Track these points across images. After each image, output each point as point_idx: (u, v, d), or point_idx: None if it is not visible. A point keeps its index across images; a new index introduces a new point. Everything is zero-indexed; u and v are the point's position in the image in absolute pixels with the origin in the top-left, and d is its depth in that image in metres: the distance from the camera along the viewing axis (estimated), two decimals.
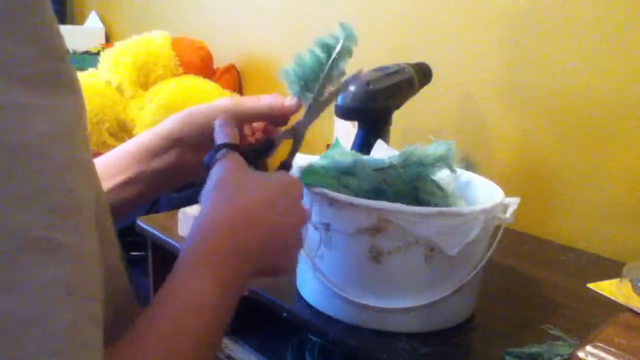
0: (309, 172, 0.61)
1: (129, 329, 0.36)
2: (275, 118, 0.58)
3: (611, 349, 0.51)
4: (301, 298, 0.69)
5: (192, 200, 1.07)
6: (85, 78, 1.46)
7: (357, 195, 0.60)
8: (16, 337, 0.26)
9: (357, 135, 0.89)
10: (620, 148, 0.92)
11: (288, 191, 0.50)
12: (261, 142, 0.57)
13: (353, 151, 0.75)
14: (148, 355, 0.35)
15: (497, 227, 0.64)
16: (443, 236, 0.58)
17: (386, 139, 0.88)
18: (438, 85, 1.01)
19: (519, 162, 1.05)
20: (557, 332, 0.63)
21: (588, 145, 0.96)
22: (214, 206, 0.46)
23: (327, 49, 0.57)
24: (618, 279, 0.75)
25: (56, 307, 0.27)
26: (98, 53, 1.60)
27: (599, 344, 0.52)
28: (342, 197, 0.59)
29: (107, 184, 0.53)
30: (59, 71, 0.29)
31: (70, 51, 1.85)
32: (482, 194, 0.70)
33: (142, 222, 0.93)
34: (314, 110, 0.58)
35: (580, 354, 0.52)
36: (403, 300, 0.61)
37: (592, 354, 0.52)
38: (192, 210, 0.86)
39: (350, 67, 0.59)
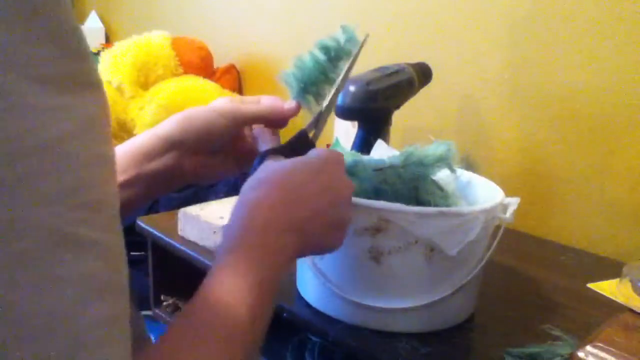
0: None
1: (168, 327, 0.37)
2: (274, 121, 0.58)
3: (611, 349, 0.51)
4: (301, 298, 0.69)
5: (192, 200, 1.08)
6: None
7: (357, 195, 0.60)
8: (51, 333, 0.26)
9: (357, 135, 0.89)
10: (621, 148, 0.92)
11: (329, 163, 0.50)
12: (295, 136, 0.57)
13: (353, 151, 0.75)
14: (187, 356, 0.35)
15: (497, 227, 0.64)
16: (443, 236, 0.58)
17: (386, 139, 0.88)
18: (438, 85, 1.01)
19: (519, 162, 1.05)
20: (557, 332, 0.63)
21: (588, 146, 0.96)
22: (253, 191, 0.47)
23: (328, 51, 0.57)
24: (618, 279, 0.75)
25: (89, 303, 0.27)
26: (98, 53, 1.60)
27: (599, 344, 0.52)
28: None
29: None
30: (80, 69, 0.29)
31: None
32: (482, 194, 0.70)
33: (142, 222, 0.93)
34: (333, 101, 0.59)
35: (580, 354, 0.52)
36: (403, 300, 0.61)
37: (592, 354, 0.52)
38: (192, 210, 0.86)
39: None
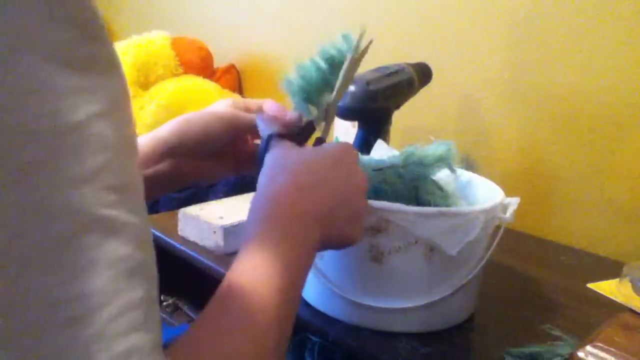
0: None
1: (198, 318, 0.36)
2: None
3: (611, 349, 0.51)
4: (301, 298, 0.69)
5: (192, 200, 1.08)
6: None
7: None
8: (84, 317, 0.26)
9: (357, 135, 0.89)
10: (621, 148, 0.92)
11: (346, 155, 0.51)
12: (302, 126, 0.58)
13: None
14: (222, 342, 0.35)
15: (497, 227, 0.64)
16: (443, 236, 0.58)
17: (386, 139, 0.88)
18: (438, 85, 1.01)
19: (519, 162, 1.05)
20: (557, 332, 0.63)
21: (588, 145, 0.96)
22: (275, 181, 0.46)
23: (332, 61, 0.57)
24: (618, 279, 0.75)
25: (122, 287, 0.27)
26: None
27: (599, 344, 0.52)
28: None
29: None
30: (102, 51, 0.29)
31: None
32: (482, 194, 0.70)
33: None
34: (341, 91, 0.58)
35: (580, 354, 0.52)
36: (403, 300, 0.61)
37: (592, 354, 0.52)
38: (192, 210, 0.86)
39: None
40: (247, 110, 0.60)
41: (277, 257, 0.41)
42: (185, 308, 0.96)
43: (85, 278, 0.26)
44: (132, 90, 1.45)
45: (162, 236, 0.89)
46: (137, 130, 1.40)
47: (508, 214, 0.63)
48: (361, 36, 0.57)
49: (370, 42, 0.57)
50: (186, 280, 0.92)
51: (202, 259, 0.81)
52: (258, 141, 0.61)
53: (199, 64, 1.54)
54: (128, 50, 1.47)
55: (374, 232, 0.59)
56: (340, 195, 0.48)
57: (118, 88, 0.30)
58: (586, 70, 0.94)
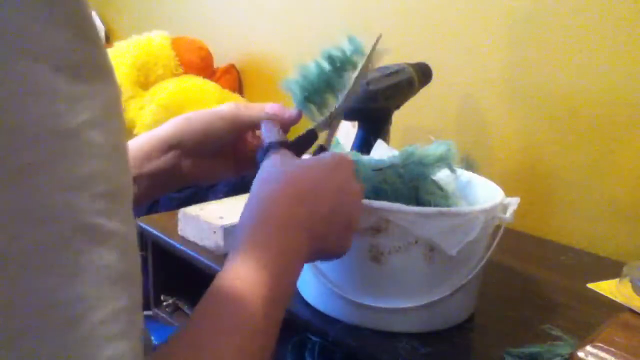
0: None
1: (187, 322, 0.37)
2: None
3: (611, 349, 0.51)
4: (301, 298, 0.69)
5: (192, 200, 1.08)
6: None
7: None
8: (68, 324, 0.26)
9: (357, 135, 0.89)
10: (621, 148, 0.92)
11: (342, 165, 0.51)
12: (303, 134, 0.58)
13: (353, 151, 0.75)
14: (203, 350, 0.35)
15: (497, 227, 0.64)
16: (443, 236, 0.58)
17: (386, 139, 0.88)
18: (438, 85, 1.01)
19: (519, 162, 1.05)
20: (557, 332, 0.63)
21: (588, 145, 0.96)
22: (267, 189, 0.47)
23: (333, 61, 0.57)
24: (618, 279, 0.75)
25: (109, 294, 0.27)
26: None
27: (599, 344, 0.52)
28: None
29: None
30: (95, 56, 0.29)
31: None
32: (482, 194, 0.70)
33: (142, 222, 0.93)
34: (347, 99, 0.59)
35: (580, 354, 0.52)
36: (403, 300, 0.61)
37: (592, 354, 0.52)
38: (192, 210, 0.86)
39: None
40: (249, 111, 0.60)
41: (265, 265, 0.41)
42: (185, 308, 0.96)
43: (74, 283, 0.26)
44: (132, 90, 1.45)
45: (162, 236, 0.89)
46: (137, 130, 1.40)
47: (508, 214, 0.63)
48: (375, 45, 0.57)
49: (378, 39, 0.57)
50: (186, 280, 0.92)
51: (202, 259, 0.81)
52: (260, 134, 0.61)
53: (199, 64, 1.54)
54: (128, 50, 1.47)
55: (374, 232, 0.59)
56: (333, 205, 0.48)
57: (111, 94, 0.30)
58: (586, 70, 0.94)
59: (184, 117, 0.58)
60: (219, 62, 1.62)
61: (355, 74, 0.58)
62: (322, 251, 0.48)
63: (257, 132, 0.61)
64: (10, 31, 0.25)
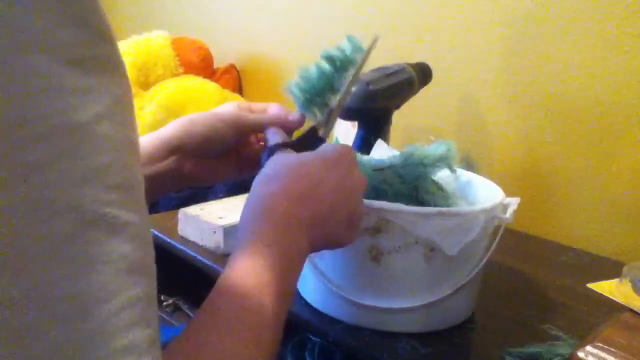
0: None
1: (191, 321, 0.37)
2: None
3: (611, 349, 0.51)
4: (301, 298, 0.69)
5: (192, 200, 1.07)
6: None
7: None
8: (83, 314, 0.26)
9: (357, 135, 0.89)
10: (621, 148, 0.92)
11: (343, 157, 0.51)
12: (305, 133, 0.58)
13: None
14: (210, 347, 0.35)
15: (497, 227, 0.64)
16: (443, 236, 0.58)
17: (386, 139, 0.88)
18: (438, 85, 1.01)
19: (519, 162, 1.05)
20: (557, 332, 0.63)
21: (588, 145, 0.96)
22: (269, 186, 0.47)
23: (333, 61, 0.57)
24: (618, 279, 0.75)
25: (123, 284, 0.28)
26: None
27: (599, 344, 0.52)
28: None
29: None
30: (106, 51, 0.29)
31: None
32: (482, 194, 0.70)
33: None
34: (343, 96, 0.59)
35: (580, 354, 0.52)
36: (403, 300, 0.61)
37: (592, 354, 0.52)
38: (192, 210, 0.86)
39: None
40: (251, 112, 0.60)
41: (272, 264, 0.41)
42: (185, 308, 0.96)
43: (87, 274, 0.26)
44: (132, 90, 1.44)
45: (162, 236, 0.89)
46: (138, 130, 1.40)
47: (508, 214, 0.63)
48: (373, 45, 0.57)
49: (374, 41, 0.57)
50: (186, 280, 0.92)
51: (202, 259, 0.81)
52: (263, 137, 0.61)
53: (199, 64, 1.54)
54: (128, 50, 1.47)
55: (374, 232, 0.59)
56: (335, 201, 0.48)
57: (122, 88, 0.30)
58: (586, 71, 0.94)
59: (187, 119, 0.58)
60: (219, 62, 1.62)
61: (353, 70, 0.58)
62: (324, 244, 0.49)
63: (260, 135, 0.61)
64: (20, 27, 0.25)
